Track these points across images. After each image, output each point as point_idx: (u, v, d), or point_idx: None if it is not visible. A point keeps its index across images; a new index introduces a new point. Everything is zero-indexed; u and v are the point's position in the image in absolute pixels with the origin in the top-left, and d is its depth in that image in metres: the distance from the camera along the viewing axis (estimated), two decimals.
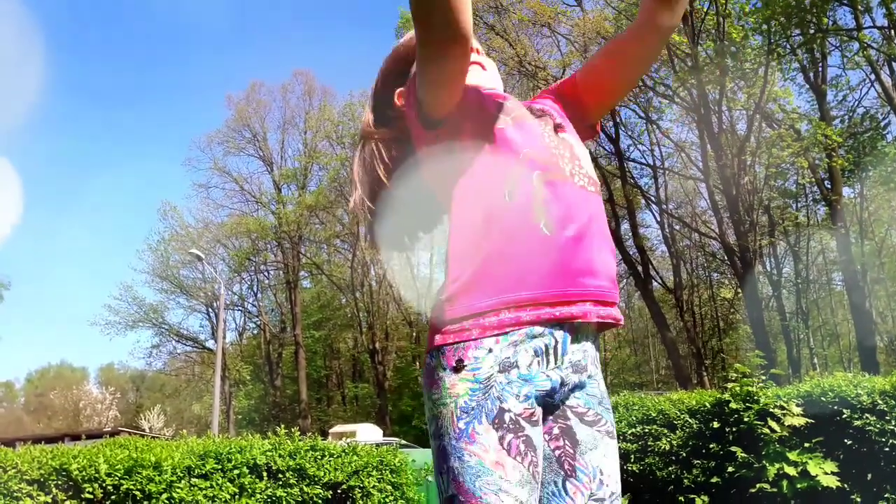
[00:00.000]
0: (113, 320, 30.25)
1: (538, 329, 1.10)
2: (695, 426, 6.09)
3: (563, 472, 1.14)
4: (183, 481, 4.93)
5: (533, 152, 1.18)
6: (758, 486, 5.22)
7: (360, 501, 5.78)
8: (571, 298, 1.11)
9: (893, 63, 16.94)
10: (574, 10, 20.80)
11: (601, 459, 1.15)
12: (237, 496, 5.14)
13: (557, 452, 1.15)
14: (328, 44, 68.97)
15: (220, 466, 5.18)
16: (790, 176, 20.36)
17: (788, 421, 5.23)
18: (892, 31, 15.59)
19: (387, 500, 6.00)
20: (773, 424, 5.26)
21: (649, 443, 6.30)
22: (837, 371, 6.42)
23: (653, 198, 24.08)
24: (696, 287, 29.63)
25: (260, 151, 32.28)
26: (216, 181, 32.34)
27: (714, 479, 5.77)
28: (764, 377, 5.90)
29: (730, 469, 5.55)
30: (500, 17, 19.93)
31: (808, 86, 18.14)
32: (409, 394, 30.77)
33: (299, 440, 5.87)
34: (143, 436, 7.06)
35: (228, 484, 5.13)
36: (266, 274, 33.89)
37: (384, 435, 16.55)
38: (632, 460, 6.22)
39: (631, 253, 21.43)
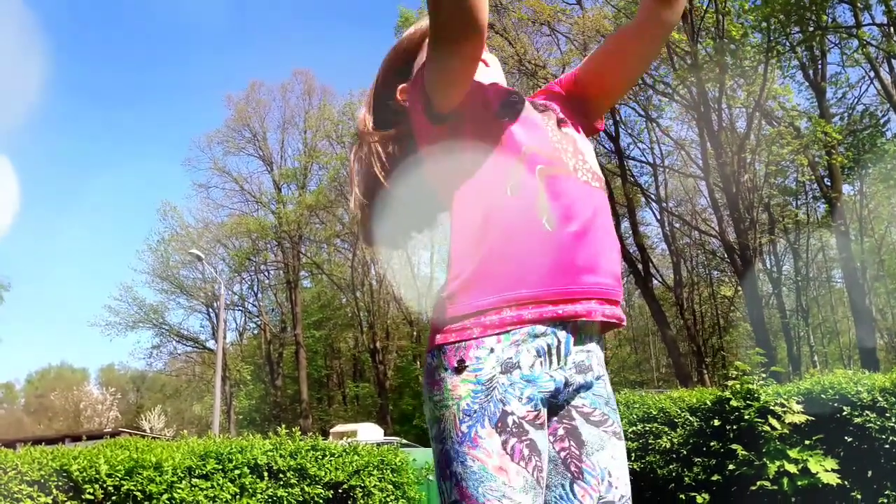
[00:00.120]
0: (113, 321, 30.29)
1: (540, 328, 1.07)
2: (695, 424, 6.10)
3: (569, 475, 1.12)
4: (184, 482, 4.93)
5: (536, 147, 1.16)
6: (758, 483, 5.22)
7: (361, 501, 5.78)
8: (574, 296, 1.09)
9: (893, 60, 16.93)
10: (574, 8, 20.79)
11: (609, 461, 1.13)
12: (238, 496, 5.14)
13: (563, 454, 1.13)
14: (328, 43, 68.94)
15: (220, 467, 5.19)
16: (790, 173, 20.36)
17: (789, 418, 5.23)
18: (892, 29, 15.58)
19: (388, 499, 6.01)
20: (774, 422, 5.26)
21: (650, 441, 6.30)
22: (837, 368, 6.42)
23: (653, 196, 24.09)
24: (697, 285, 29.64)
25: (260, 151, 32.31)
26: (216, 181, 32.38)
27: (715, 477, 5.77)
28: (764, 375, 5.90)
29: (730, 467, 5.55)
30: (500, 15, 19.92)
31: (807, 83, 18.14)
32: (409, 393, 30.77)
33: (300, 440, 5.88)
34: (143, 436, 7.06)
35: (229, 484, 5.13)
36: (266, 274, 33.94)
37: (385, 434, 16.57)
38: (632, 458, 6.22)
39: (631, 251, 21.42)
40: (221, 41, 71.86)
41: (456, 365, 1.07)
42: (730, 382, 5.90)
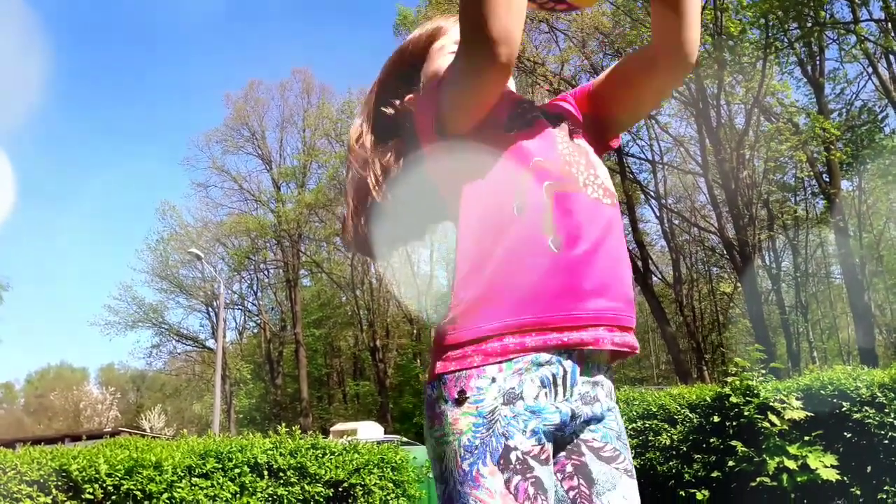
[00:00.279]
0: (113, 320, 30.29)
1: (544, 356, 1.01)
2: (695, 421, 6.10)
3: None
4: (184, 481, 4.93)
5: (545, 161, 1.10)
6: (758, 479, 5.23)
7: (362, 499, 5.79)
8: (581, 323, 1.02)
9: (891, 56, 16.92)
10: None
11: (621, 502, 1.05)
12: (238, 495, 5.14)
13: (572, 493, 1.06)
14: (327, 42, 68.91)
15: (220, 466, 5.19)
16: (789, 170, 20.35)
17: (788, 414, 5.24)
18: (889, 24, 15.58)
19: (388, 497, 6.01)
20: (773, 418, 5.26)
21: (650, 438, 6.31)
22: (837, 364, 6.43)
23: (652, 193, 24.10)
24: (696, 282, 29.64)
25: (259, 150, 32.27)
26: (215, 180, 32.34)
27: (714, 474, 5.77)
28: (764, 371, 5.90)
29: (730, 463, 5.55)
30: None
31: (805, 79, 18.13)
32: (410, 391, 30.78)
33: (300, 439, 5.88)
34: (143, 436, 7.06)
35: (229, 483, 5.13)
36: (266, 272, 33.94)
37: (385, 432, 16.56)
38: (632, 456, 6.23)
39: (630, 248, 21.38)
40: (220, 40, 71.81)
41: (456, 396, 1.01)
42: (729, 379, 5.91)
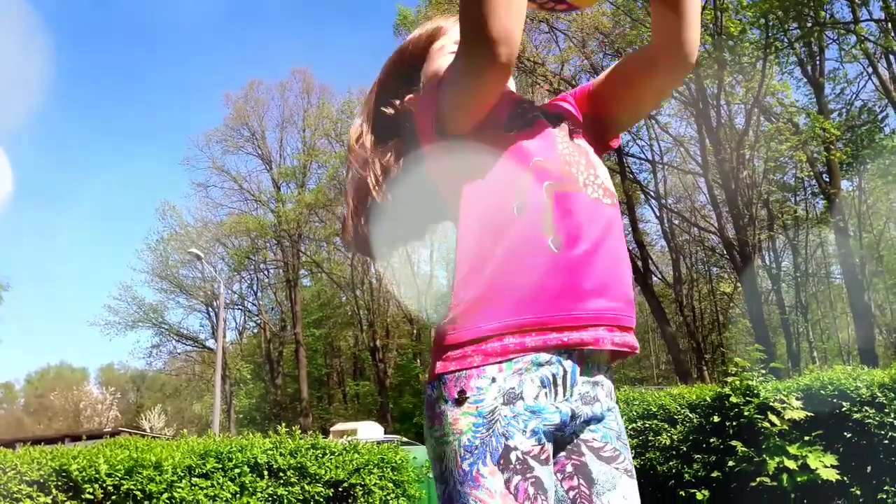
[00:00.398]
0: (112, 320, 30.30)
1: (544, 356, 1.02)
2: (695, 421, 6.10)
3: None
4: (184, 481, 4.93)
5: (545, 160, 1.10)
6: (758, 479, 5.23)
7: (362, 499, 5.79)
8: (581, 322, 1.03)
9: (891, 56, 16.92)
10: None
11: (621, 502, 1.06)
12: (238, 495, 5.15)
13: (572, 493, 1.06)
14: (326, 42, 68.90)
15: (220, 466, 5.19)
16: (789, 170, 20.35)
17: (788, 414, 5.24)
18: (889, 24, 15.58)
19: (388, 497, 6.01)
20: (773, 418, 5.26)
21: (650, 438, 6.31)
22: (837, 364, 6.43)
23: (652, 193, 24.11)
24: (696, 282, 29.64)
25: (258, 150, 32.27)
26: (215, 180, 32.34)
27: (714, 474, 5.77)
28: (764, 371, 5.90)
29: (730, 463, 5.55)
30: None
31: (805, 79, 18.13)
32: (410, 391, 30.79)
33: (300, 438, 5.88)
34: (143, 436, 7.06)
35: (229, 483, 5.13)
36: (266, 272, 33.94)
37: (385, 432, 16.56)
38: (632, 455, 6.24)
39: (630, 248, 21.39)
40: (220, 40, 71.82)
41: (456, 396, 1.01)
42: (729, 379, 5.91)
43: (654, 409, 6.40)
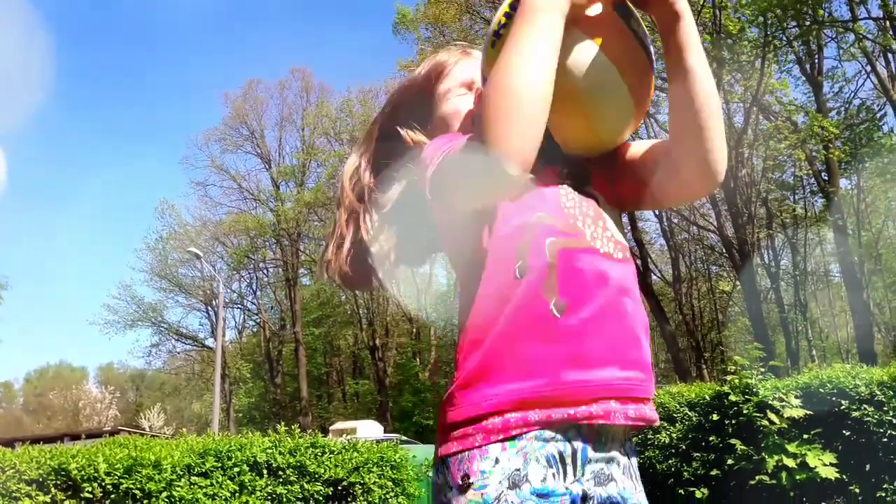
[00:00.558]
0: (112, 319, 30.29)
1: (549, 432, 0.94)
2: (694, 419, 6.11)
3: None
4: (183, 480, 4.93)
5: (547, 214, 1.02)
6: (757, 478, 5.23)
7: (361, 498, 5.79)
8: (589, 396, 0.95)
9: (889, 54, 16.95)
10: None
11: None
12: (237, 494, 5.15)
13: None
14: (325, 41, 68.84)
15: (220, 464, 5.19)
16: (787, 168, 20.37)
17: (787, 413, 5.24)
18: (888, 23, 15.58)
19: (387, 496, 6.02)
20: (772, 416, 5.27)
21: (649, 436, 6.31)
22: (836, 362, 6.43)
23: None
24: (695, 280, 29.65)
25: (258, 149, 32.22)
26: (214, 179, 32.28)
27: (714, 472, 5.78)
28: (763, 369, 5.90)
29: (729, 461, 5.56)
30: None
31: (804, 77, 18.13)
32: (409, 390, 30.78)
33: (299, 437, 5.88)
34: (142, 435, 7.06)
35: (229, 482, 5.14)
36: (265, 271, 33.92)
37: (385, 431, 16.58)
38: None
39: (630, 246, 21.41)
40: (220, 40, 71.76)
41: (460, 482, 0.94)
42: (728, 377, 5.92)
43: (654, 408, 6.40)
